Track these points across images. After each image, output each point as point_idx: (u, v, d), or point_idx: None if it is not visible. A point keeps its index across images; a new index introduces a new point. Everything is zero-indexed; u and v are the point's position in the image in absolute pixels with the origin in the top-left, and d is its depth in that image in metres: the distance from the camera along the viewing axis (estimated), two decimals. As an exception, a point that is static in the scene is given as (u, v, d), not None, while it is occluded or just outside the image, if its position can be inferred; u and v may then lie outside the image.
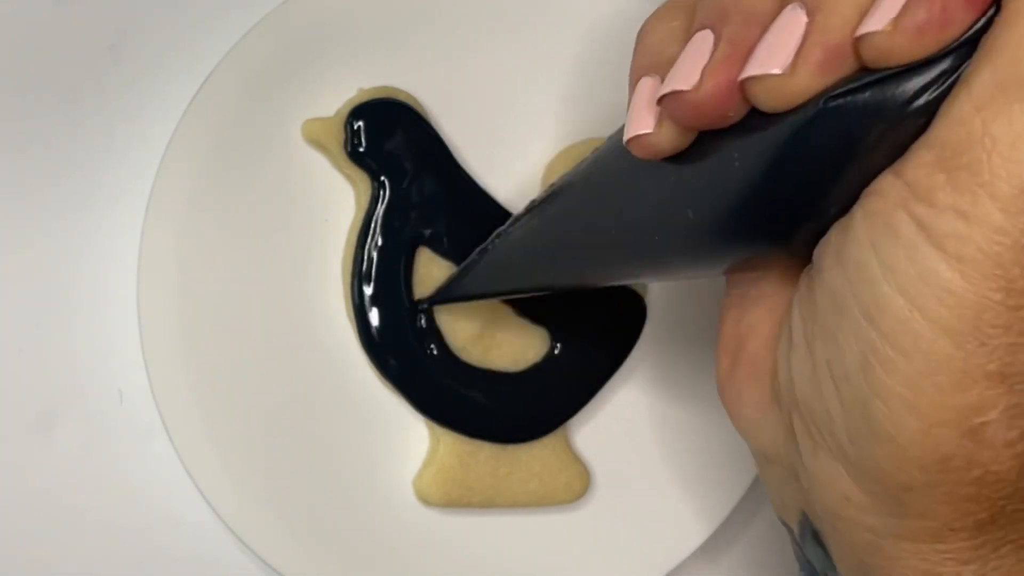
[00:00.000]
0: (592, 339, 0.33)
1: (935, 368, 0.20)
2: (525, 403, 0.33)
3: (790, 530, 0.26)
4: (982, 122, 0.19)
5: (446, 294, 0.32)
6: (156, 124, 0.33)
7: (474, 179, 0.33)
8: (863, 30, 0.20)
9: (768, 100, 0.22)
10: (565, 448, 0.34)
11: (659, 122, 0.23)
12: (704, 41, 0.22)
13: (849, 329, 0.21)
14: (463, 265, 0.31)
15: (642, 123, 0.23)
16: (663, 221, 0.25)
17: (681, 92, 0.22)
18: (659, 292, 0.34)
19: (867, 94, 0.21)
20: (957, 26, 0.20)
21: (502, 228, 0.30)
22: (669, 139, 0.23)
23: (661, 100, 0.23)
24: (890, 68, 0.21)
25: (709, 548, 0.34)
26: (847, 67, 0.21)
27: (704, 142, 0.23)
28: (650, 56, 0.24)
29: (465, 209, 0.33)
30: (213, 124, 0.32)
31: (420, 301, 0.32)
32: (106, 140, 0.34)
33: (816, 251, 0.23)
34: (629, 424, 0.34)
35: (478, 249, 0.30)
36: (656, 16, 0.25)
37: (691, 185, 0.24)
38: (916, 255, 0.20)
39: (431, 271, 0.32)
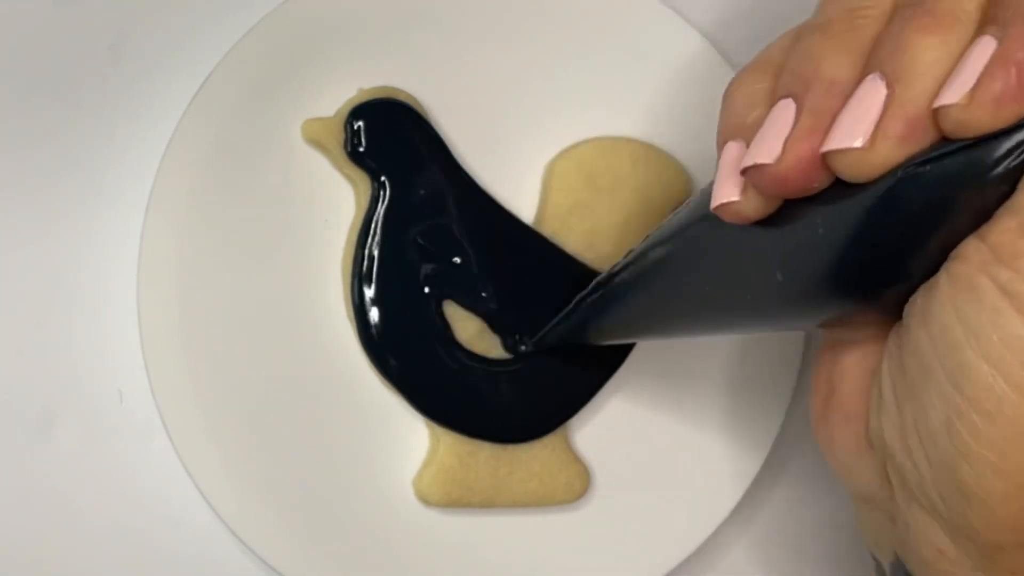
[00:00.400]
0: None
1: (1020, 433, 0.20)
2: (525, 403, 0.33)
3: (879, 563, 0.26)
4: None
5: (545, 340, 0.32)
6: (156, 124, 0.33)
7: (474, 179, 0.33)
8: (940, 102, 0.21)
9: (850, 172, 0.22)
10: (565, 448, 0.34)
11: (744, 190, 0.23)
12: (786, 111, 0.23)
13: (935, 392, 0.21)
14: (563, 313, 0.31)
15: (728, 191, 0.24)
16: (753, 283, 0.25)
17: (764, 165, 0.22)
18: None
19: (949, 161, 0.21)
20: None
21: (602, 277, 0.30)
22: (754, 207, 0.24)
23: (745, 171, 0.23)
24: (970, 139, 0.21)
25: (709, 548, 0.34)
26: (928, 138, 0.21)
27: (789, 208, 0.24)
28: (735, 119, 0.24)
29: (465, 209, 0.33)
30: (213, 124, 0.32)
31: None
32: (106, 140, 0.34)
33: (905, 310, 0.23)
34: (629, 424, 0.34)
35: (577, 297, 0.31)
36: (741, 77, 0.25)
37: (778, 249, 0.24)
38: (999, 320, 0.20)
39: (431, 271, 0.33)
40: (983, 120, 0.20)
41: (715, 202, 0.24)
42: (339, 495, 0.33)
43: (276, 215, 0.33)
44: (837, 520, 0.36)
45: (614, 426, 0.34)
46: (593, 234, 0.33)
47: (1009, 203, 0.21)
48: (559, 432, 0.33)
